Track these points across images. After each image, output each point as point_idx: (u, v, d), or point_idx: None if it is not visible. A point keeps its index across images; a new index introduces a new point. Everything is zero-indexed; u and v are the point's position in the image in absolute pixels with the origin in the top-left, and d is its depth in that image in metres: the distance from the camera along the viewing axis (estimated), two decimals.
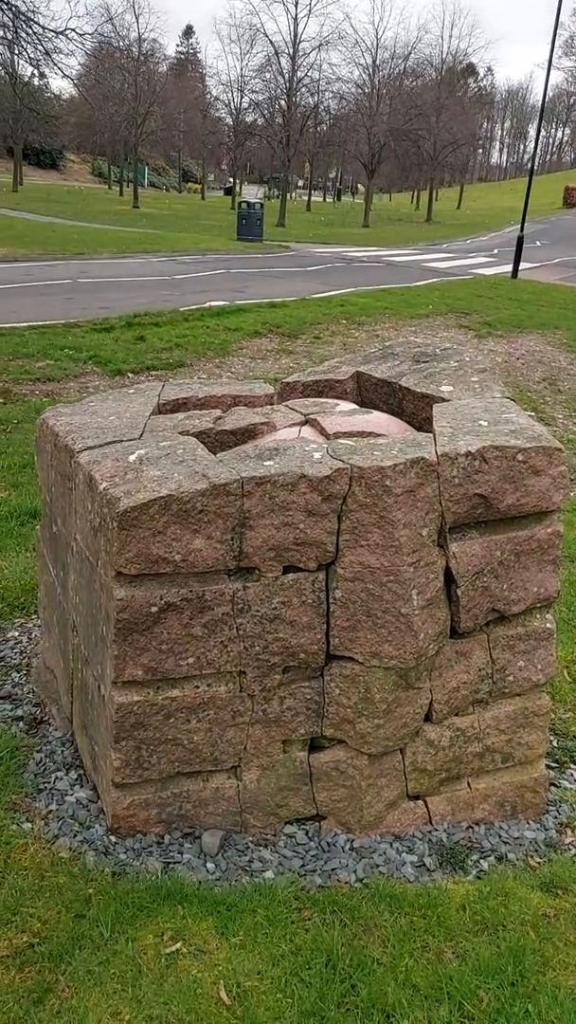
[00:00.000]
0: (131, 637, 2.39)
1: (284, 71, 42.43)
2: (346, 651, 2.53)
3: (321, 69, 48.81)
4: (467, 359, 3.45)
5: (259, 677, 2.52)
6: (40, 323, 10.47)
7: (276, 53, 42.94)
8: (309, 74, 44.58)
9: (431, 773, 2.72)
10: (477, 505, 2.54)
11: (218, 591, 2.43)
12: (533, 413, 8.02)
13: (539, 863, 2.67)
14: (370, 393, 3.42)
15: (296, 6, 41.16)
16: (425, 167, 54.54)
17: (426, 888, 2.50)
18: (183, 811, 2.62)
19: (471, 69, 77.28)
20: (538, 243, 36.69)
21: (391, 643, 2.49)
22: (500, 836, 2.78)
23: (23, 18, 16.05)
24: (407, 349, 3.65)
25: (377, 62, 48.97)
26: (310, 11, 48.13)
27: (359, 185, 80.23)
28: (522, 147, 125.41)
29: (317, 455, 2.49)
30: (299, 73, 42.37)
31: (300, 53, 42.15)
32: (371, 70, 48.63)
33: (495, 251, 32.44)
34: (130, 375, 8.63)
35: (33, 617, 3.84)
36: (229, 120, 54.60)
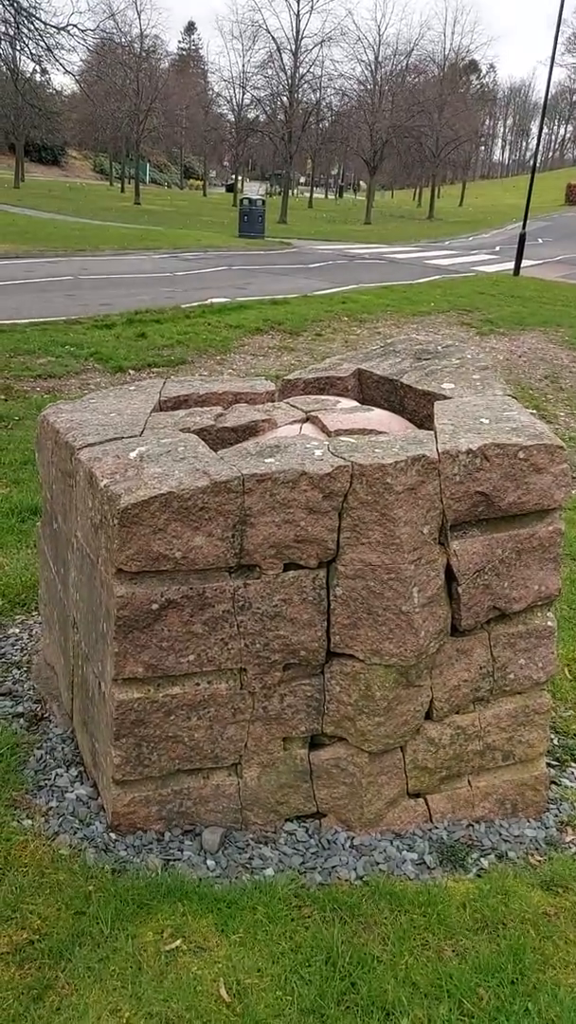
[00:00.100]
0: (132, 634, 2.39)
1: (286, 67, 42.45)
2: (347, 648, 2.53)
3: (323, 65, 48.91)
4: (469, 357, 3.44)
5: (260, 674, 2.52)
6: (41, 320, 10.47)
7: (278, 49, 42.96)
8: (311, 70, 44.62)
9: (432, 771, 2.72)
10: (478, 503, 2.53)
11: (219, 588, 2.42)
12: (535, 411, 8.01)
13: (539, 861, 2.67)
14: (371, 390, 3.41)
15: (298, 2, 41.20)
16: (427, 164, 54.51)
17: (426, 886, 2.50)
18: (183, 808, 2.62)
19: (473, 66, 77.19)
20: (540, 240, 36.65)
21: (392, 641, 2.48)
22: (500, 834, 2.78)
23: (25, 14, 16.04)
24: (408, 346, 3.65)
25: (379, 58, 48.97)
26: (312, 7, 47.98)
27: (361, 182, 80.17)
28: (524, 144, 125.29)
29: (318, 452, 2.49)
30: (301, 69, 42.40)
31: (302, 49, 42.18)
32: (373, 66, 48.62)
33: (497, 248, 32.40)
34: (131, 372, 8.62)
35: (34, 614, 3.84)
36: (231, 116, 54.59)
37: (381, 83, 49.18)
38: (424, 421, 2.99)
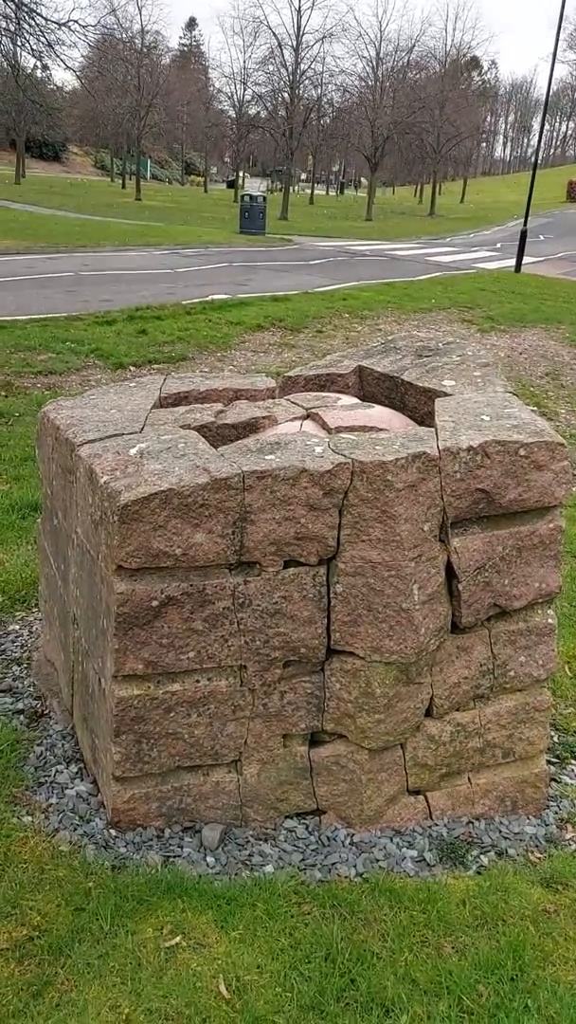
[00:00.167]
0: (132, 631, 2.39)
1: (287, 63, 42.31)
2: (347, 646, 2.53)
3: (324, 61, 48.81)
4: (469, 353, 3.44)
5: (260, 671, 2.52)
6: (42, 316, 10.45)
7: (279, 45, 42.82)
8: (312, 66, 44.47)
9: (431, 768, 2.72)
10: (479, 500, 2.53)
11: (219, 585, 2.42)
12: (535, 408, 8.00)
13: (539, 858, 2.67)
14: (372, 387, 3.41)
15: None
16: (428, 161, 54.39)
17: (426, 883, 2.50)
18: (183, 805, 2.62)
19: (475, 62, 76.94)
20: (541, 237, 36.58)
21: (392, 638, 2.48)
22: (500, 831, 2.78)
23: (26, 9, 16.01)
24: (409, 343, 3.64)
25: (381, 55, 48.81)
26: (313, 3, 48.05)
27: (362, 178, 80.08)
28: (526, 141, 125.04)
29: (319, 449, 2.48)
30: (302, 65, 42.27)
31: (303, 45, 42.03)
32: (374, 63, 48.47)
33: (498, 245, 32.35)
34: (132, 368, 8.62)
35: (34, 610, 3.84)
36: (232, 113, 54.49)
37: (382, 79, 49.05)
38: (425, 418, 2.99)
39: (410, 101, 47.47)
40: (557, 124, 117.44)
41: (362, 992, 2.14)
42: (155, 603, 2.38)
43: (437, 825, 2.75)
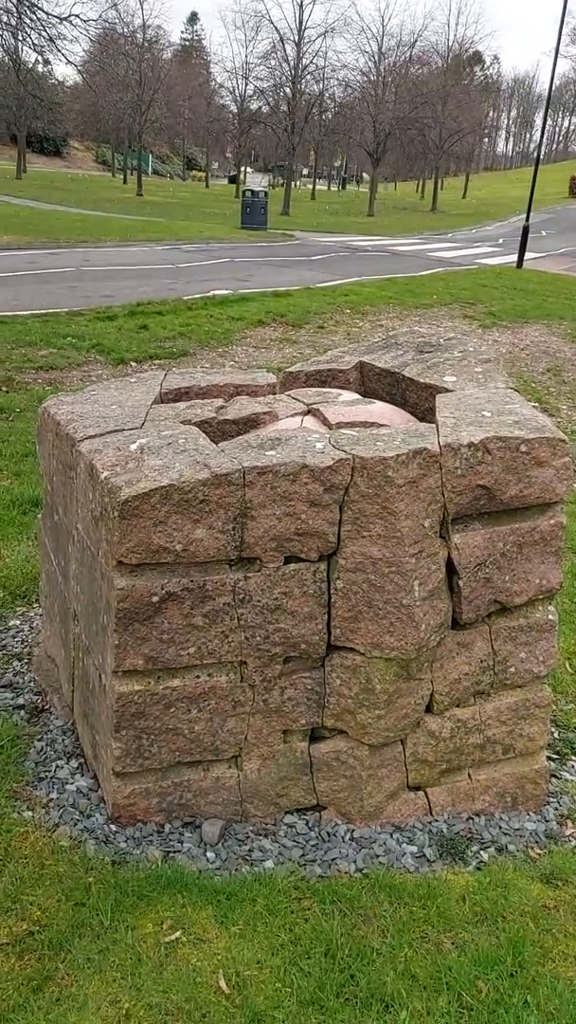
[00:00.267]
0: (132, 627, 2.39)
1: (289, 58, 42.21)
2: (347, 642, 2.53)
3: (326, 56, 48.63)
4: (471, 349, 3.43)
5: (260, 667, 2.52)
6: (43, 311, 10.45)
7: (281, 40, 42.72)
8: (314, 61, 44.38)
9: (432, 764, 2.72)
10: (480, 496, 2.53)
11: (219, 581, 2.42)
12: (537, 404, 7.99)
13: (539, 854, 2.67)
14: (373, 383, 3.40)
15: None
16: (430, 156, 54.27)
17: (426, 879, 2.51)
18: (183, 800, 2.62)
19: (477, 57, 76.75)
20: (544, 233, 36.53)
21: (392, 634, 2.48)
22: (500, 827, 2.78)
23: (27, 4, 15.98)
24: (411, 339, 3.64)
25: (383, 49, 48.67)
26: None
27: (364, 174, 79.91)
28: (528, 136, 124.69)
29: (319, 445, 2.48)
30: (304, 60, 42.15)
31: (305, 40, 41.93)
32: (376, 57, 48.33)
33: (500, 241, 32.30)
34: (133, 364, 8.61)
35: (35, 606, 3.84)
36: (234, 108, 54.36)
37: (384, 74, 48.94)
38: (426, 414, 2.98)
39: (412, 96, 47.39)
40: (559, 119, 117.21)
41: (362, 987, 2.14)
42: (155, 599, 2.38)
43: (437, 821, 2.75)
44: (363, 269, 18.49)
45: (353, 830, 2.66)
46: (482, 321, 12.78)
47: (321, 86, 47.75)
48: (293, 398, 3.09)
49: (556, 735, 3.24)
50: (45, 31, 16.52)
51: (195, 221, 29.59)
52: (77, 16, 16.63)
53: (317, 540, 2.44)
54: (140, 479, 2.33)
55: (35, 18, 16.22)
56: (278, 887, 2.41)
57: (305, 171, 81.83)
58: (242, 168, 63.37)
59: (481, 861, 2.62)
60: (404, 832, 2.69)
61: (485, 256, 25.33)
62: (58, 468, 2.90)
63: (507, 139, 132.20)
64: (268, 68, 45.47)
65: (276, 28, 43.74)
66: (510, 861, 2.62)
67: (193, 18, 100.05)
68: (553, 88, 24.14)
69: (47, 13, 16.30)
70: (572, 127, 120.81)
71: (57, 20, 16.27)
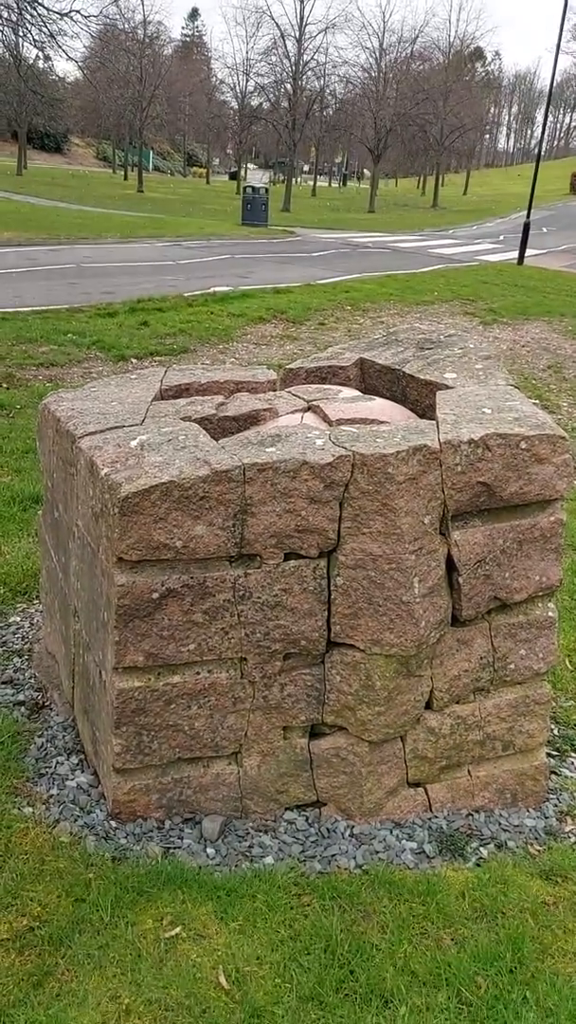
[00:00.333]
0: (132, 623, 2.39)
1: (290, 54, 42.19)
2: (347, 638, 2.53)
3: (327, 52, 48.62)
4: (471, 346, 3.43)
5: (260, 664, 2.52)
6: (43, 308, 10.44)
7: (282, 36, 42.68)
8: (315, 57, 44.39)
9: (431, 760, 2.72)
10: (480, 493, 2.53)
11: (219, 578, 2.42)
12: (537, 401, 7.99)
13: (539, 851, 2.68)
14: (374, 380, 3.40)
15: None
16: (431, 152, 54.25)
17: (425, 875, 2.51)
18: (183, 797, 2.62)
19: (479, 53, 76.53)
20: (545, 230, 36.47)
21: (392, 630, 2.48)
22: (500, 824, 2.78)
23: (27, 0, 15.95)
24: (411, 336, 3.63)
25: (384, 46, 48.59)
26: None
27: (365, 170, 79.77)
28: (529, 132, 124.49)
29: (319, 442, 2.48)
30: (305, 56, 42.14)
31: (306, 36, 41.89)
32: (378, 54, 48.27)
33: (501, 237, 32.25)
34: (133, 360, 8.61)
35: (35, 602, 3.84)
36: (234, 104, 54.33)
37: (385, 70, 48.88)
38: (426, 411, 2.98)
39: (413, 92, 47.33)
40: (561, 116, 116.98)
41: (361, 983, 2.14)
42: (155, 595, 2.38)
43: (437, 817, 2.75)
44: (364, 266, 18.47)
45: (353, 826, 2.67)
46: (483, 318, 12.77)
47: (322, 82, 47.78)
48: (293, 395, 3.09)
49: (556, 732, 3.24)
50: (46, 27, 16.50)
51: (196, 217, 29.57)
52: (78, 12, 16.58)
53: (317, 537, 2.44)
54: (140, 475, 2.33)
55: (36, 14, 16.18)
56: (278, 883, 2.41)
57: (306, 167, 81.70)
58: (243, 164, 63.32)
59: (481, 857, 2.62)
60: (404, 828, 2.69)
61: (486, 253, 25.30)
62: (58, 465, 2.90)
63: (508, 135, 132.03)
64: (269, 64, 45.48)
65: (277, 24, 44.08)
66: (510, 857, 2.62)
67: (194, 14, 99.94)
68: (554, 84, 24.12)
69: (48, 9, 16.25)
70: (573, 124, 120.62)
71: (58, 16, 16.24)
